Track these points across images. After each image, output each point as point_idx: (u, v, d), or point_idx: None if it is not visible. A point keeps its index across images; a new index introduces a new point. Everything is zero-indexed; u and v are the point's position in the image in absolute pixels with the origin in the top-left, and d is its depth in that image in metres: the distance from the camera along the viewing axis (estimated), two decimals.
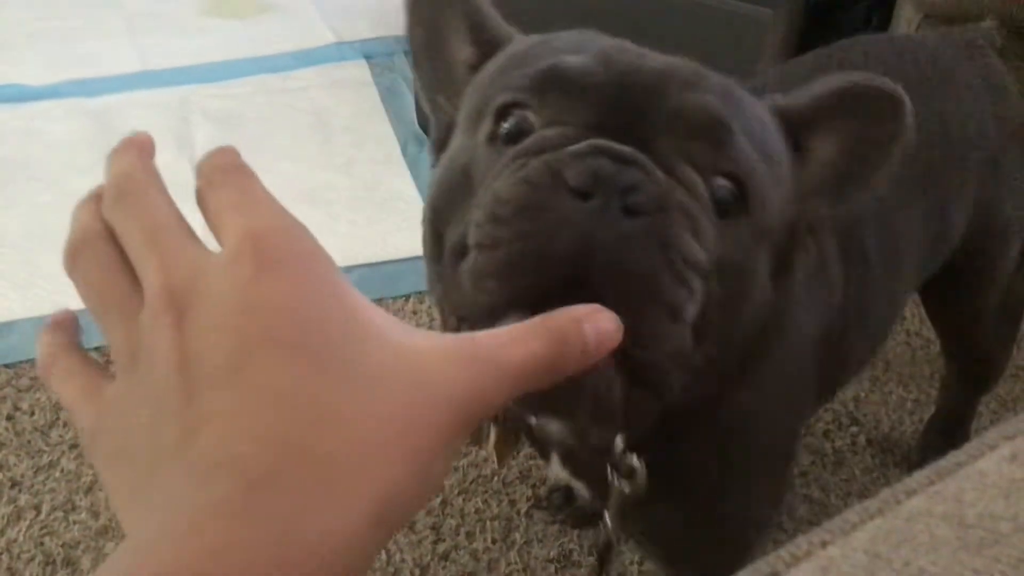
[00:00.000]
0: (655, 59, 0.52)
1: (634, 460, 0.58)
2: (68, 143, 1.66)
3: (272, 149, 1.69)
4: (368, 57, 2.00)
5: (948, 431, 1.15)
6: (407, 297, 1.39)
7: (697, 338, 0.46)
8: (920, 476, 0.33)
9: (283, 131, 1.76)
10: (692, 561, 0.75)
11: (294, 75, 1.93)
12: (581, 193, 0.43)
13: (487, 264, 0.44)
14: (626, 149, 0.45)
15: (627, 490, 0.58)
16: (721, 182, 0.48)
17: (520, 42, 0.57)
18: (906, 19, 1.25)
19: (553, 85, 0.49)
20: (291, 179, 1.61)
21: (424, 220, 0.55)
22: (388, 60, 1.99)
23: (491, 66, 0.56)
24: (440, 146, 0.58)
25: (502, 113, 0.50)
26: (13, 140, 1.67)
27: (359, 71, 1.96)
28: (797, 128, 0.56)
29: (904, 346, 1.32)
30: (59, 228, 0.34)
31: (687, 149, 0.47)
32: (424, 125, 1.73)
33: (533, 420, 0.60)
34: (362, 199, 1.59)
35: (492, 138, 0.50)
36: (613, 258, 0.43)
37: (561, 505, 1.08)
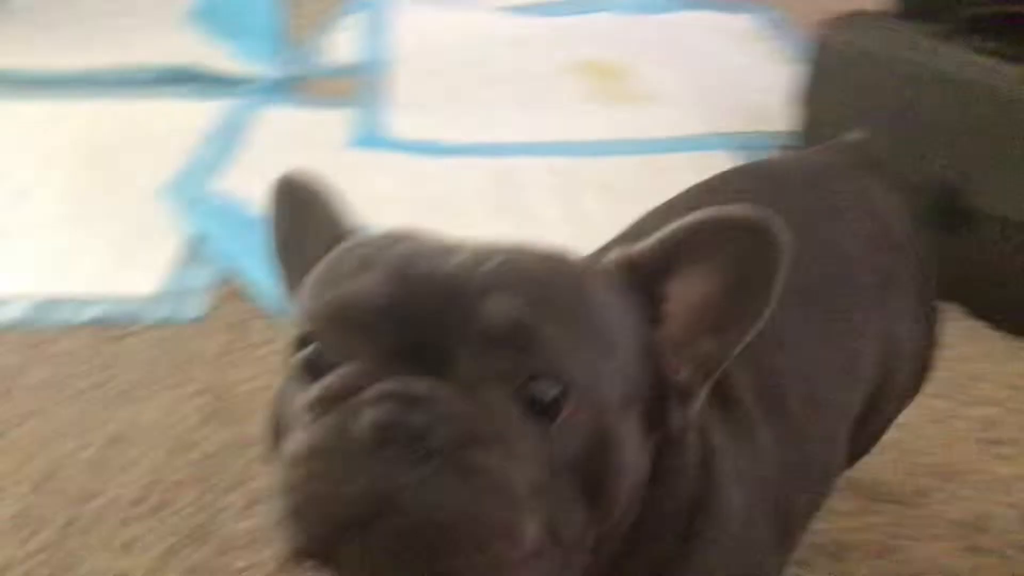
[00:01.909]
0: (456, 260, 0.49)
1: None
2: (476, 191, 1.96)
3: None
4: (736, 149, 2.16)
5: None
6: None
7: (561, 534, 0.48)
8: None
9: (650, 207, 1.93)
10: None
11: (665, 159, 2.13)
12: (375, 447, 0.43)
13: (286, 505, 0.45)
14: (415, 389, 0.44)
15: None
16: (537, 386, 0.47)
17: (338, 249, 0.56)
18: None
19: (340, 318, 0.48)
20: None
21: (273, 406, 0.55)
22: (756, 153, 2.13)
23: (313, 273, 0.55)
24: None
25: (302, 342, 0.50)
26: (434, 185, 1.99)
27: (727, 161, 2.11)
28: (651, 276, 0.55)
29: None
30: None
31: (490, 363, 0.46)
32: None
33: None
34: None
35: (297, 367, 0.50)
36: (411, 510, 0.42)
37: None
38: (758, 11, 3.12)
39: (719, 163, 2.15)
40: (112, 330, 1.55)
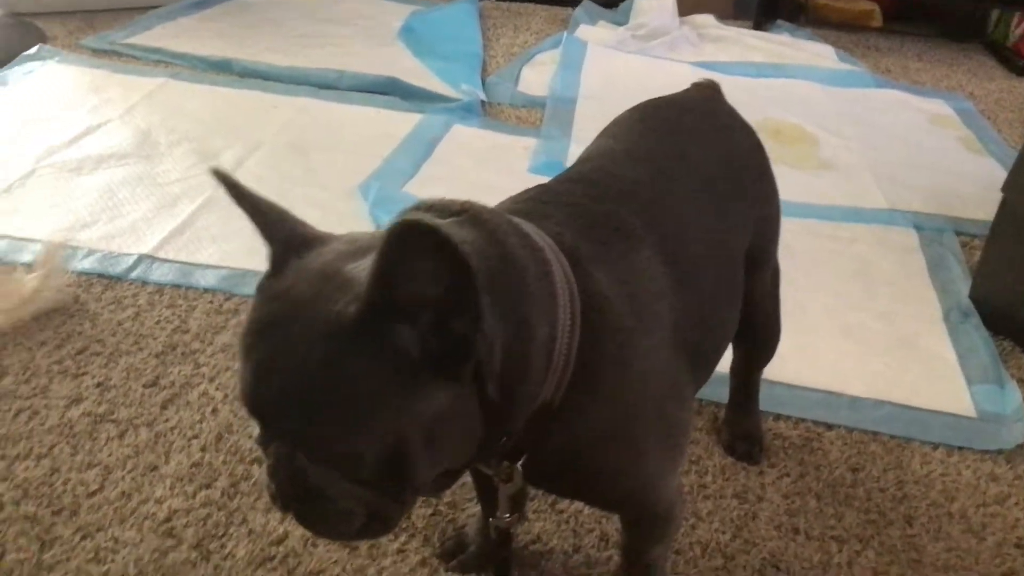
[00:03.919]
0: (278, 377, 0.66)
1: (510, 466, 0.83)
2: None
3: (815, 281, 1.86)
4: (918, 228, 2.11)
5: (744, 407, 1.41)
6: (936, 446, 1.44)
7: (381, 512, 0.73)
8: None
9: (827, 269, 1.92)
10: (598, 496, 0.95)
11: (844, 227, 2.10)
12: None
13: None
14: (278, 456, 0.70)
15: (510, 489, 0.86)
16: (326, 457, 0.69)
17: (255, 299, 0.73)
18: None
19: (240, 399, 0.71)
20: (831, 311, 1.76)
21: None
22: (937, 235, 2.08)
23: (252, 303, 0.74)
24: None
25: None
26: None
27: (907, 238, 2.07)
28: (378, 294, 0.63)
29: None
30: None
31: (301, 452, 0.69)
32: (976, 300, 1.78)
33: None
34: (898, 347, 1.67)
35: None
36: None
37: (454, 552, 1.19)
38: (951, 98, 3.05)
39: (898, 239, 2.12)
40: None
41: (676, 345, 0.90)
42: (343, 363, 0.65)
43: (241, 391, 0.70)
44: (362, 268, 0.68)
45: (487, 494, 1.10)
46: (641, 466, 0.89)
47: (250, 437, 1.33)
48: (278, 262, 0.73)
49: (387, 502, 0.72)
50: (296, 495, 0.71)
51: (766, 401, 1.45)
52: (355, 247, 0.72)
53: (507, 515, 0.92)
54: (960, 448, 1.44)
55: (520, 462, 0.84)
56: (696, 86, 1.25)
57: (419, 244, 0.61)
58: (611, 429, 0.84)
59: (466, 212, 0.79)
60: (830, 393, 1.53)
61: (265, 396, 0.68)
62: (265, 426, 0.70)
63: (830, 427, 1.46)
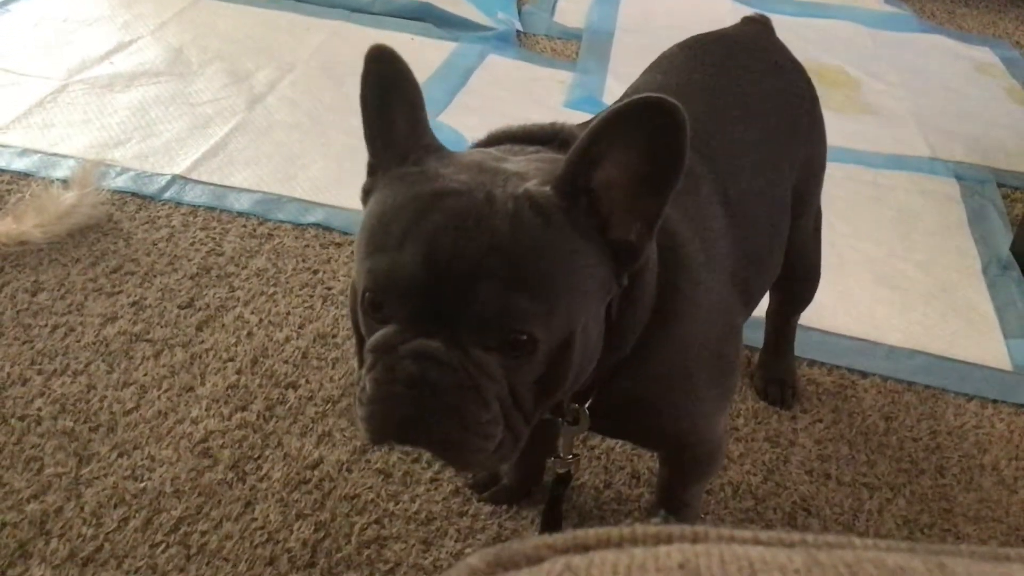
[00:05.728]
0: (465, 241, 0.64)
1: (578, 408, 0.83)
2: None
3: (854, 227, 1.83)
4: (959, 178, 2.06)
5: (779, 352, 1.39)
6: (970, 398, 1.43)
7: (515, 424, 0.69)
8: None
9: (867, 216, 1.89)
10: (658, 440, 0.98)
11: (885, 174, 2.06)
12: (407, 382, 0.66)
13: (364, 416, 0.69)
14: (430, 350, 0.65)
15: (577, 431, 0.85)
16: (511, 340, 0.66)
17: (397, 184, 0.69)
18: None
19: (386, 287, 0.67)
20: (870, 258, 1.74)
21: (350, 303, 0.76)
22: (979, 186, 2.04)
23: (384, 192, 0.70)
24: (367, 188, 0.75)
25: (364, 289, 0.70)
26: None
27: (948, 188, 2.03)
28: (580, 190, 0.66)
29: None
30: None
31: (478, 334, 0.65)
32: (1017, 253, 1.75)
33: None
34: (936, 298, 1.65)
35: (365, 303, 0.69)
36: (426, 419, 0.67)
37: (486, 484, 1.18)
38: (997, 46, 2.96)
39: (939, 188, 2.08)
40: (327, 237, 1.64)
41: (733, 283, 0.90)
42: (543, 238, 0.65)
43: (403, 269, 0.65)
44: (526, 165, 0.70)
45: None
46: (698, 404, 0.89)
47: (331, 340, 1.34)
48: (414, 155, 0.71)
49: (518, 417, 0.69)
50: (445, 397, 0.66)
51: (801, 347, 1.44)
52: (490, 155, 0.73)
53: (569, 456, 0.92)
54: (994, 401, 1.43)
55: (588, 403, 0.83)
56: (747, 20, 1.22)
57: (653, 118, 0.63)
58: (676, 369, 0.84)
59: (558, 135, 0.78)
60: (866, 341, 1.52)
61: (448, 269, 0.64)
62: (425, 310, 0.65)
63: (864, 375, 1.45)
